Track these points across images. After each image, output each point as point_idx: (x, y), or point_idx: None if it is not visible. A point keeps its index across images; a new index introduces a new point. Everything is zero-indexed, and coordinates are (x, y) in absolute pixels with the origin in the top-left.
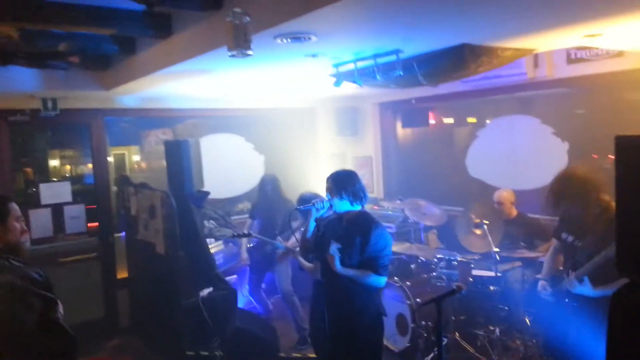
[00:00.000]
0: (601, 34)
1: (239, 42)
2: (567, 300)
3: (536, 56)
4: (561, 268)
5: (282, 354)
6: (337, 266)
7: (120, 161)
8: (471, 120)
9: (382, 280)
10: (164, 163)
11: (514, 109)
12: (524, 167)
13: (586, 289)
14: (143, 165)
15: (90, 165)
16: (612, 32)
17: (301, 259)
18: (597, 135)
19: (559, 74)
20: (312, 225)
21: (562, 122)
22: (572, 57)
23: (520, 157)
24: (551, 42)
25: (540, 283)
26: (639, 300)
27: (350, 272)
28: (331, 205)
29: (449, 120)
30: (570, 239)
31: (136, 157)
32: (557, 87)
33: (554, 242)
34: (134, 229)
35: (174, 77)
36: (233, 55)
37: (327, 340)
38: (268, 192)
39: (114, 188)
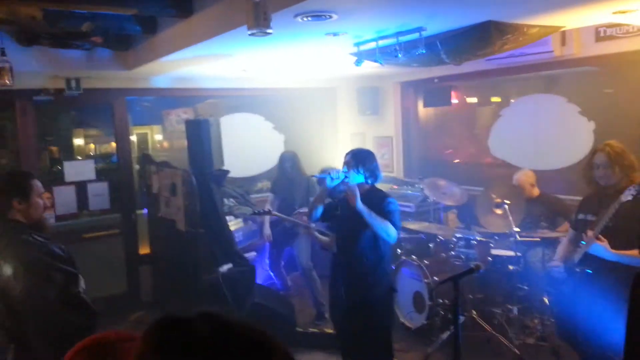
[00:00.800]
0: (631, 10)
1: (259, 21)
2: (578, 270)
3: (563, 34)
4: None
5: (299, 329)
6: (358, 205)
7: (143, 140)
8: (495, 99)
9: (395, 233)
10: (185, 142)
11: (540, 87)
12: (549, 147)
13: (603, 249)
14: (165, 144)
15: (113, 144)
16: None
17: (317, 234)
18: (625, 115)
19: (587, 52)
20: (324, 191)
21: (589, 101)
22: (601, 34)
23: (545, 136)
24: (579, 19)
25: (553, 262)
26: None
27: (372, 215)
28: (346, 177)
29: (472, 100)
30: (589, 217)
31: (158, 136)
32: (584, 66)
33: (570, 231)
34: (155, 207)
35: (195, 57)
36: (253, 34)
37: (344, 314)
38: (287, 169)
39: (136, 166)
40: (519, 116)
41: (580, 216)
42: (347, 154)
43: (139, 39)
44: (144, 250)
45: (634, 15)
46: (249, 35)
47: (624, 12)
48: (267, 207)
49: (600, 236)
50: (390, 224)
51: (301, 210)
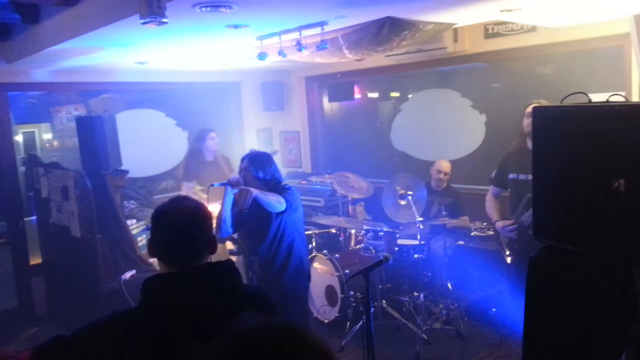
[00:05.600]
0: (517, 9)
1: (152, 8)
2: (530, 232)
3: (456, 31)
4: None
5: None
6: (252, 199)
7: (30, 140)
8: (394, 94)
9: (284, 204)
10: (77, 141)
11: (435, 82)
12: (446, 139)
13: None
14: (55, 143)
15: None
16: (526, 7)
17: None
18: (511, 108)
19: (477, 49)
20: (228, 201)
21: (480, 96)
22: (489, 32)
23: (442, 129)
24: (470, 16)
25: (498, 224)
26: (555, 262)
27: (264, 193)
28: (245, 183)
29: (374, 95)
30: (521, 177)
31: (47, 135)
32: (474, 62)
33: (492, 189)
34: (45, 212)
35: (84, 48)
36: (146, 23)
37: None
38: None
39: (22, 169)
40: (417, 110)
41: (512, 176)
42: (243, 159)
43: (19, 29)
44: (36, 260)
45: (519, 13)
46: (142, 24)
47: (510, 10)
48: None
49: None
50: (283, 199)
51: None
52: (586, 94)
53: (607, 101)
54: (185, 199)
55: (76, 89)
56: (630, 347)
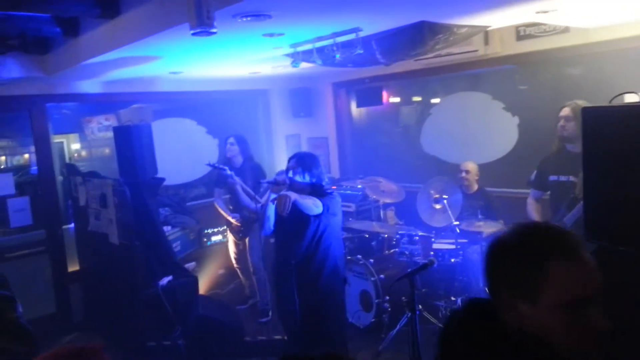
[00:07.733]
0: (553, 10)
1: (202, 19)
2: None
3: (486, 33)
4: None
5: (247, 339)
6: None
7: (59, 150)
8: (423, 98)
9: (321, 207)
10: (107, 150)
11: (465, 85)
12: (477, 142)
13: None
14: (83, 153)
15: (26, 156)
16: (563, 7)
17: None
18: (544, 109)
19: (508, 51)
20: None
21: (512, 98)
22: (521, 33)
23: (473, 132)
24: (505, 18)
25: None
26: (610, 264)
27: (302, 197)
28: (291, 183)
29: (402, 99)
30: (562, 178)
31: (75, 146)
32: (506, 64)
33: (533, 192)
34: (83, 220)
35: (121, 60)
36: (196, 34)
37: (297, 317)
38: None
39: (59, 178)
40: (448, 113)
41: (552, 177)
42: (291, 159)
43: (59, 42)
44: (73, 267)
45: (554, 14)
46: (192, 34)
47: (546, 12)
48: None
49: None
50: (320, 202)
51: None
52: (637, 93)
53: None
54: None
55: (111, 100)
56: None
